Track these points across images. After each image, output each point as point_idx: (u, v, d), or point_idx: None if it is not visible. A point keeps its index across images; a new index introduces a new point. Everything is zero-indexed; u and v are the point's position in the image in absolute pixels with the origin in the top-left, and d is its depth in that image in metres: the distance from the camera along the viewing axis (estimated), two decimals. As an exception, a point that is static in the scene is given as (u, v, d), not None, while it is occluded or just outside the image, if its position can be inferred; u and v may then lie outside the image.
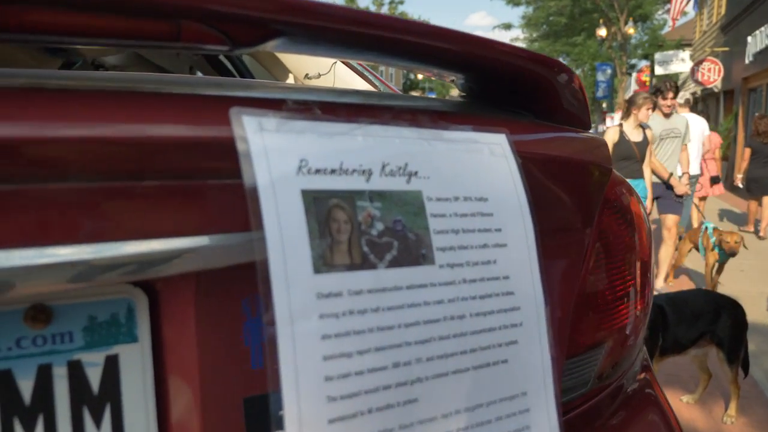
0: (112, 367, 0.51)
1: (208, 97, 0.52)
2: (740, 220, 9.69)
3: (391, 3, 35.19)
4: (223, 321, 0.55)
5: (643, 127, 5.29)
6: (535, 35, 31.80)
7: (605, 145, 0.80)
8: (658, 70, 25.40)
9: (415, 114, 0.58)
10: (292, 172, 0.46)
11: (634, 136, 5.27)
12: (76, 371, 0.50)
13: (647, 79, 33.54)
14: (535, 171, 0.67)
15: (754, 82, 15.05)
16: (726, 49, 17.45)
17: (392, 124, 0.54)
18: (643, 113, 5.22)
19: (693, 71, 17.91)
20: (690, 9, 23.37)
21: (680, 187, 5.58)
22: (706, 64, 17.40)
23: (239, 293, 0.56)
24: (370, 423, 0.45)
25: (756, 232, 8.45)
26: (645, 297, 0.91)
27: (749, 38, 14.25)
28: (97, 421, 0.51)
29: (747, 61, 14.49)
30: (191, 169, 0.49)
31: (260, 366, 0.56)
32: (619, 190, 0.89)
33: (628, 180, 4.41)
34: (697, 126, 7.01)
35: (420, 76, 52.65)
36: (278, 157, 0.46)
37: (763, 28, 13.28)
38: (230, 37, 0.50)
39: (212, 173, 0.50)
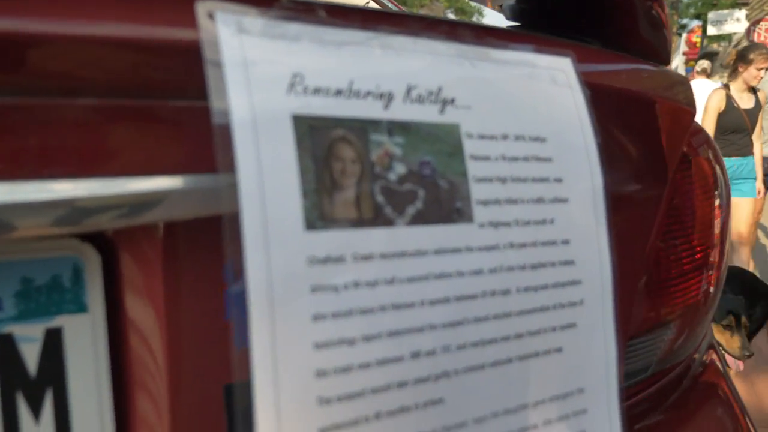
0: (53, 343, 0.40)
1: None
2: None
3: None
4: (199, 288, 0.43)
5: (754, 89, 4.15)
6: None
7: (687, 83, 0.65)
8: (711, 31, 24.30)
9: (454, 26, 0.44)
10: (280, 90, 0.34)
11: (745, 101, 4.14)
12: (6, 348, 0.39)
13: (698, 40, 32.16)
14: (604, 108, 0.52)
15: (815, 44, 14.23)
16: (786, 8, 16.52)
17: (423, 36, 0.41)
18: (752, 74, 4.03)
19: (749, 32, 17.05)
20: (748, -34, 22.11)
21: None
22: (764, 25, 16.54)
23: (221, 254, 0.44)
24: (377, 434, 0.33)
25: None
26: (719, 271, 0.77)
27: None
28: (35, 411, 0.40)
29: (808, 22, 13.67)
30: (148, 86, 0.37)
31: (245, 345, 0.44)
32: (698, 141, 0.74)
33: (739, 158, 3.65)
34: (706, 90, 7.68)
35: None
36: (262, 69, 0.34)
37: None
38: None
39: (178, 92, 0.38)
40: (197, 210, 0.41)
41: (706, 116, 4.12)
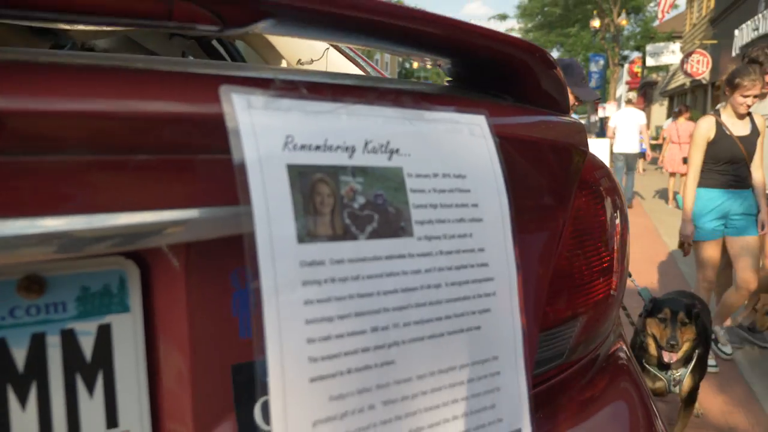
0: (104, 336, 0.54)
1: (199, 76, 0.54)
2: None
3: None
4: (213, 292, 0.58)
5: (750, 114, 3.72)
6: (530, 25, 31.82)
7: (582, 129, 0.83)
8: (649, 62, 25.54)
9: (398, 94, 0.60)
10: (278, 147, 0.49)
11: (738, 128, 3.68)
12: (69, 340, 0.53)
13: (639, 70, 33.64)
14: (514, 151, 0.69)
15: (743, 74, 15.15)
16: (714, 42, 17.56)
17: (376, 104, 0.57)
18: (738, 101, 3.57)
19: (682, 63, 18.02)
20: (681, 2, 23.45)
21: None
22: (695, 57, 17.52)
23: (228, 265, 0.59)
24: (348, 382, 0.48)
25: None
26: (619, 275, 0.94)
27: (736, 32, 14.34)
28: (90, 389, 0.53)
29: (734, 54, 14.57)
30: (183, 145, 0.51)
31: (248, 335, 0.58)
32: (599, 173, 0.93)
33: (735, 190, 3.61)
34: (636, 119, 10.25)
35: (415, 65, 52.50)
36: (265, 133, 0.49)
37: (749, 22, 13.36)
38: (221, 17, 0.52)
39: (203, 148, 0.52)
40: (208, 234, 0.56)
41: (692, 146, 3.76)
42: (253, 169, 0.47)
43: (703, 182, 3.77)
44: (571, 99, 3.06)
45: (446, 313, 0.55)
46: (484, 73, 0.79)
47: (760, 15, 12.72)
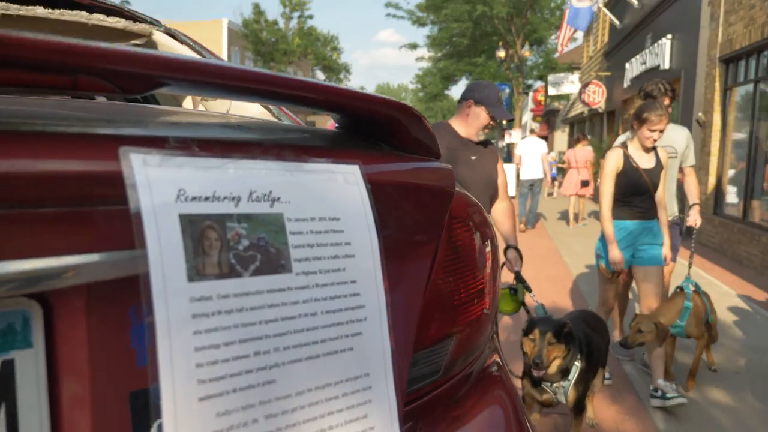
0: (7, 370, 0.59)
1: (100, 136, 0.61)
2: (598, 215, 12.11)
3: (300, 17, 35.20)
4: (112, 326, 0.64)
5: (654, 147, 3.84)
6: (439, 54, 32.86)
7: (450, 174, 0.95)
8: (551, 91, 27.01)
9: (281, 149, 0.70)
10: (171, 200, 0.57)
11: (644, 161, 3.82)
12: (-26, 373, 0.58)
13: (542, 98, 35.42)
14: (387, 193, 0.80)
15: (632, 104, 16.35)
16: (608, 73, 18.83)
17: (260, 158, 0.66)
18: (645, 134, 3.72)
19: (580, 93, 19.20)
20: (579, 36, 25.03)
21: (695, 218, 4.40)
22: (591, 87, 18.72)
23: (127, 302, 0.65)
24: (234, 400, 0.57)
25: None
26: (491, 298, 1.07)
27: (627, 65, 15.48)
28: (-7, 419, 0.59)
29: (625, 85, 15.72)
30: (84, 198, 0.58)
31: (144, 364, 0.65)
32: (471, 210, 1.05)
33: (641, 221, 3.93)
34: (538, 147, 11.41)
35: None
36: (160, 187, 0.57)
37: (637, 56, 14.47)
38: (120, 87, 0.60)
39: (103, 200, 0.60)
40: (105, 275, 0.62)
41: (603, 177, 3.88)
42: (148, 219, 0.55)
43: (612, 214, 3.91)
44: (487, 119, 3.22)
45: (322, 338, 0.64)
46: (365, 125, 0.90)
47: (647, 50, 13.80)
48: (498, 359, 1.15)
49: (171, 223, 0.56)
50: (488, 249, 1.08)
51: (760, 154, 8.86)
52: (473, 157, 3.27)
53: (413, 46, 33.50)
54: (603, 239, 3.99)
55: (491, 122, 3.25)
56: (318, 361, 0.64)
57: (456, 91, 75.78)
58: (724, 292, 6.79)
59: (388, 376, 0.70)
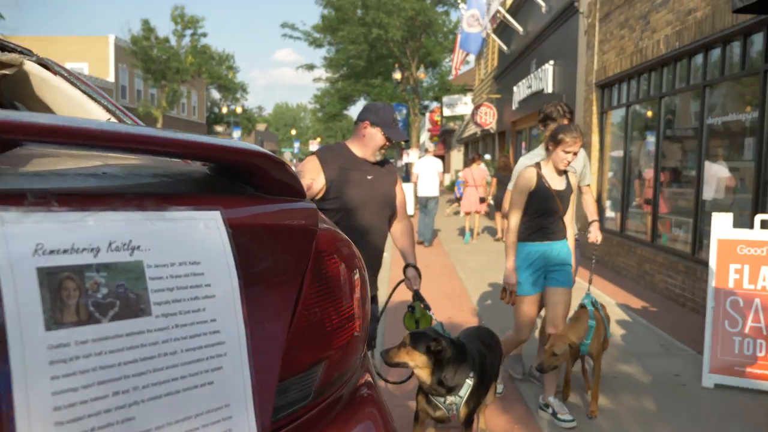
0: None
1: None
2: (493, 232, 13.73)
3: (193, 35, 34.43)
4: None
5: (565, 170, 3.86)
6: (337, 75, 33.15)
7: (313, 213, 1.03)
8: (446, 112, 27.94)
9: (143, 199, 0.75)
10: (28, 254, 0.61)
11: (556, 183, 3.81)
12: None
13: (438, 119, 36.53)
14: (251, 234, 0.87)
15: (520, 125, 17.29)
16: (498, 96, 19.78)
17: (121, 210, 0.71)
18: (560, 156, 3.71)
19: (473, 114, 20.03)
20: (471, 59, 26.13)
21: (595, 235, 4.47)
22: (483, 109, 19.59)
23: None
24: (92, 438, 0.61)
25: (504, 238, 11.78)
26: (361, 322, 1.16)
27: (515, 88, 16.36)
28: None
29: (514, 108, 16.60)
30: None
31: (5, 409, 0.68)
32: (339, 244, 1.14)
33: (552, 242, 3.94)
34: (434, 166, 12.11)
35: (225, 110, 51.94)
36: (17, 243, 0.61)
37: (524, 80, 15.34)
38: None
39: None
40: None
41: (514, 193, 3.86)
42: (4, 273, 0.58)
43: (522, 236, 3.87)
44: (383, 140, 3.26)
45: (182, 374, 0.70)
46: (231, 170, 0.96)
47: (532, 75, 14.66)
48: (370, 378, 1.24)
49: (28, 277, 0.60)
50: (357, 277, 1.16)
51: (633, 172, 9.63)
52: (369, 177, 3.31)
53: (310, 67, 33.62)
54: (519, 266, 3.90)
55: (387, 143, 3.31)
56: (178, 396, 0.69)
57: (354, 111, 76.48)
58: (605, 302, 7.29)
59: (249, 406, 0.76)
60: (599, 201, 10.83)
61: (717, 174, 7.27)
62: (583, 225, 4.75)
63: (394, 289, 3.62)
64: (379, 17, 24.49)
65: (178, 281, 0.72)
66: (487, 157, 17.31)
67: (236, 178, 0.96)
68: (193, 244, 0.75)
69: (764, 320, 4.51)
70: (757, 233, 4.69)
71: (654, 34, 8.29)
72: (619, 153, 10.20)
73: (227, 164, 0.90)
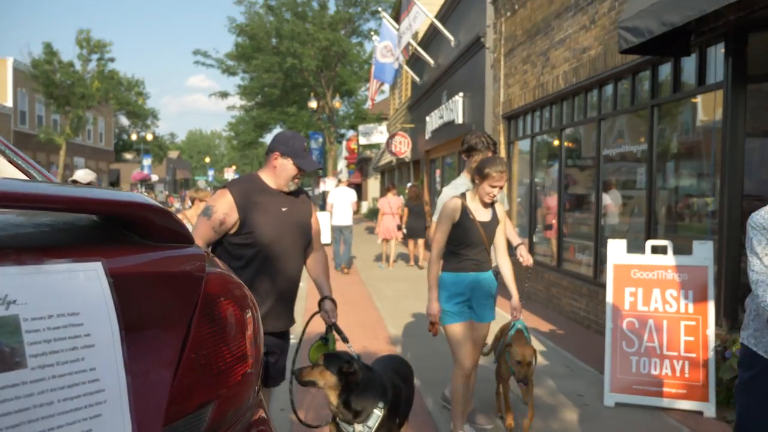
0: None
1: None
2: (407, 258, 14.21)
3: (99, 60, 33.24)
4: None
5: (492, 202, 3.85)
6: (252, 103, 32.90)
7: (200, 258, 1.07)
8: (362, 141, 28.29)
9: (20, 253, 0.77)
10: None
11: (481, 214, 3.80)
12: None
13: (355, 147, 36.89)
14: (135, 282, 0.90)
15: (433, 154, 17.78)
16: (412, 125, 20.27)
17: (-3, 264, 0.72)
18: (486, 190, 3.73)
19: (387, 143, 20.39)
20: (387, 88, 26.67)
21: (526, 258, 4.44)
22: (397, 138, 19.98)
23: None
24: (-38, 493, 0.62)
25: (416, 264, 13.38)
26: (253, 359, 1.19)
27: (427, 118, 16.84)
28: None
29: (427, 137, 17.06)
30: None
31: None
32: (231, 286, 1.18)
33: (476, 273, 3.94)
34: (348, 196, 12.67)
35: (134, 137, 50.24)
36: None
37: (436, 110, 15.83)
38: None
39: None
40: None
41: (438, 224, 3.83)
42: None
43: (446, 266, 3.86)
44: (295, 170, 3.23)
45: (59, 423, 0.72)
46: (115, 219, 0.99)
47: (443, 105, 15.15)
48: (263, 414, 1.27)
49: None
50: (248, 317, 1.20)
51: (539, 200, 10.10)
52: (284, 209, 3.27)
53: (224, 95, 33.20)
54: (445, 297, 3.85)
55: (299, 173, 3.28)
56: (56, 445, 0.71)
57: (270, 139, 75.77)
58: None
59: (130, 450, 0.78)
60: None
61: (612, 201, 7.77)
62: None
63: (309, 321, 3.58)
64: (293, 47, 24.59)
65: (56, 333, 0.74)
66: (409, 185, 17.86)
67: (123, 227, 0.99)
68: (73, 295, 0.78)
69: (657, 340, 4.82)
70: (648, 258, 5.05)
71: (554, 70, 8.81)
72: (526, 181, 10.68)
73: (113, 215, 0.93)
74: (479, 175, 3.74)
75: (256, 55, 27.33)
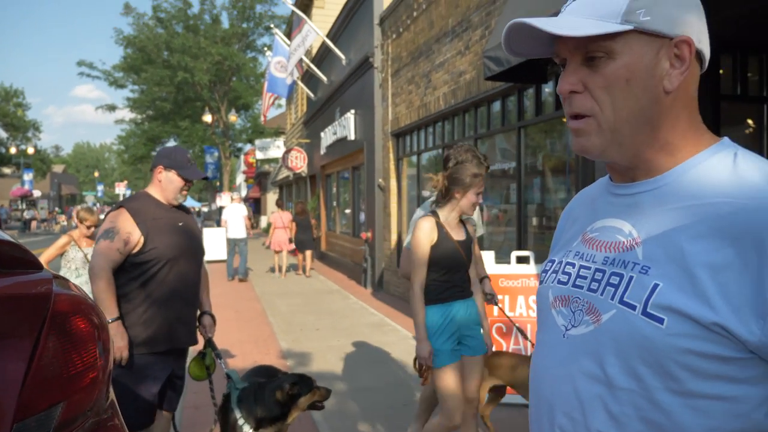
0: None
1: None
2: (296, 267, 15.23)
3: (-30, 70, 30.98)
4: None
5: (462, 220, 3.42)
6: (143, 116, 31.79)
7: (48, 281, 1.26)
8: (259, 155, 28.06)
9: None
10: None
11: (456, 233, 3.34)
12: None
13: (254, 161, 36.51)
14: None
15: (329, 169, 18.07)
16: (308, 140, 20.45)
17: None
18: (470, 200, 3.27)
19: (284, 158, 20.46)
20: (284, 102, 26.65)
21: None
22: (293, 153, 20.10)
23: None
24: None
25: (304, 273, 14.58)
26: (102, 366, 1.38)
27: (322, 134, 17.11)
28: None
29: (322, 152, 17.32)
30: None
31: None
32: (82, 306, 1.36)
33: (462, 300, 3.45)
34: (240, 211, 13.94)
35: (13, 150, 47.00)
36: None
37: (330, 126, 16.14)
38: None
39: None
40: None
41: (415, 249, 3.25)
42: None
43: (429, 297, 3.27)
44: (181, 181, 3.28)
45: None
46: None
47: (336, 122, 15.47)
48: (118, 422, 1.46)
49: None
50: (98, 330, 1.39)
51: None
52: (180, 224, 3.31)
53: (111, 108, 31.87)
54: (433, 334, 3.24)
55: (185, 183, 3.31)
56: None
57: (157, 155, 72.92)
58: (404, 336, 7.91)
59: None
60: (399, 241, 11.69)
61: (485, 214, 8.36)
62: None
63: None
64: (184, 61, 24.09)
65: None
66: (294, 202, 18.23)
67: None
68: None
69: (523, 343, 5.30)
70: (513, 267, 5.54)
71: (435, 91, 9.35)
72: (414, 196, 11.17)
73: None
74: (461, 186, 3.25)
75: (145, 67, 26.52)
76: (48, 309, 1.22)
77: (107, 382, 1.41)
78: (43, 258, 5.70)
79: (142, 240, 3.11)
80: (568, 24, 0.95)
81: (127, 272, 3.13)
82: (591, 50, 0.96)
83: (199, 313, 3.55)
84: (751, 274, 0.84)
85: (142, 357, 3.13)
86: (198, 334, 3.54)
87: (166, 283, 3.19)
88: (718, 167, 0.95)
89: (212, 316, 3.60)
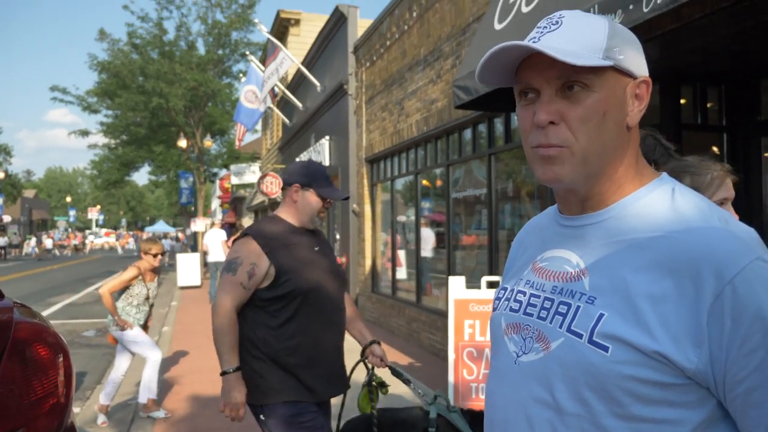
0: None
1: None
2: None
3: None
4: None
5: None
6: (117, 141, 31.47)
7: (9, 310, 1.28)
8: (234, 180, 27.96)
9: None
10: None
11: None
12: None
13: (229, 186, 36.33)
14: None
15: (305, 194, 18.02)
16: (283, 166, 20.46)
17: None
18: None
19: (259, 183, 20.42)
20: (259, 128, 26.67)
21: None
22: (268, 178, 20.03)
23: None
24: None
25: None
26: (63, 394, 1.40)
27: (297, 159, 17.15)
28: None
29: (297, 178, 17.30)
30: None
31: None
32: (44, 334, 1.38)
33: None
34: (219, 236, 14.90)
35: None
36: None
37: (305, 152, 16.21)
38: None
39: None
40: None
41: None
42: None
43: None
44: (320, 203, 2.84)
45: None
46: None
47: (312, 147, 15.55)
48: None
49: None
50: (60, 359, 1.41)
51: (400, 239, 10.67)
52: (316, 249, 2.88)
53: (85, 133, 31.48)
54: None
55: (326, 205, 2.85)
56: None
57: (138, 177, 72.41)
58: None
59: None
60: (374, 266, 11.72)
61: (461, 241, 8.45)
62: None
63: (353, 369, 3.13)
64: (159, 86, 24.01)
65: None
66: None
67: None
68: None
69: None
70: (484, 292, 5.59)
71: (408, 118, 9.48)
72: (388, 222, 11.23)
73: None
74: None
75: (120, 92, 26.36)
76: (8, 337, 1.24)
77: (69, 408, 1.43)
78: (106, 288, 5.51)
79: (274, 271, 2.67)
80: (567, 52, 0.95)
81: (263, 311, 2.70)
82: (573, 81, 0.97)
83: (365, 343, 3.11)
84: (688, 305, 0.90)
85: (305, 407, 2.69)
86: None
87: (308, 321, 2.73)
88: (658, 202, 1.01)
89: (379, 343, 3.13)
